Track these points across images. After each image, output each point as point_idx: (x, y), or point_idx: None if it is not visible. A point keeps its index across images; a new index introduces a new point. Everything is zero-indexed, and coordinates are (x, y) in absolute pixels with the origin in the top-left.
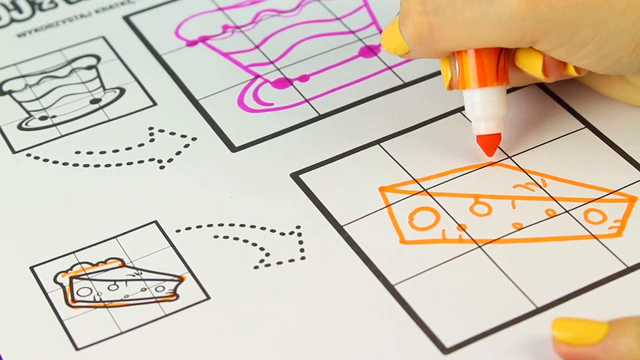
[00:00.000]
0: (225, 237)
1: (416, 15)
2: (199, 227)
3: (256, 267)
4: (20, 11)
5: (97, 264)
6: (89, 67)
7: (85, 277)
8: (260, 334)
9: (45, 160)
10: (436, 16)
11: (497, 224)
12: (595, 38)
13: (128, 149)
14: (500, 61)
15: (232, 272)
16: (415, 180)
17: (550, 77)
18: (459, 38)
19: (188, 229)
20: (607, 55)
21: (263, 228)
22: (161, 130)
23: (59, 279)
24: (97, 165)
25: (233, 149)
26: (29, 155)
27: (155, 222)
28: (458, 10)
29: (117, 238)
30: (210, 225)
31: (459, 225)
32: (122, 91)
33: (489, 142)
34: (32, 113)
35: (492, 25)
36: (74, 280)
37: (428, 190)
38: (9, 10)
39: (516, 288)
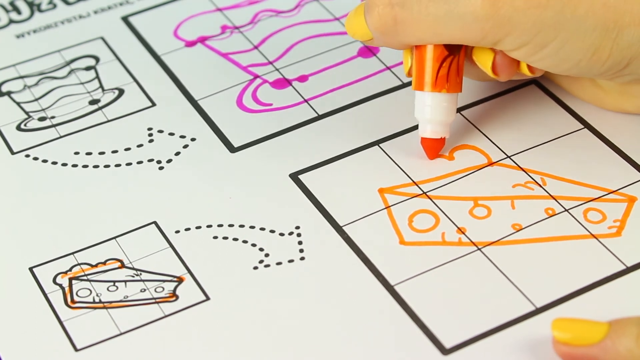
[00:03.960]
0: (225, 238)
1: (382, 6)
2: (198, 227)
3: (255, 268)
4: (19, 12)
5: (96, 265)
6: (88, 68)
7: (85, 278)
8: (259, 334)
9: (44, 161)
10: (402, 9)
11: (497, 225)
12: (556, 40)
13: (127, 149)
14: (442, 69)
15: (231, 273)
16: (415, 183)
17: (501, 75)
18: (422, 33)
19: (187, 229)
20: (567, 58)
21: (262, 229)
22: (160, 131)
23: (58, 280)
24: (96, 166)
25: (232, 149)
26: (27, 156)
27: (155, 222)
28: (424, 6)
29: (117, 239)
30: (209, 226)
31: (458, 228)
32: (121, 92)
33: (433, 146)
34: (31, 114)
35: (456, 24)
36: (74, 281)
37: (427, 193)
38: (7, 11)
39: (516, 289)
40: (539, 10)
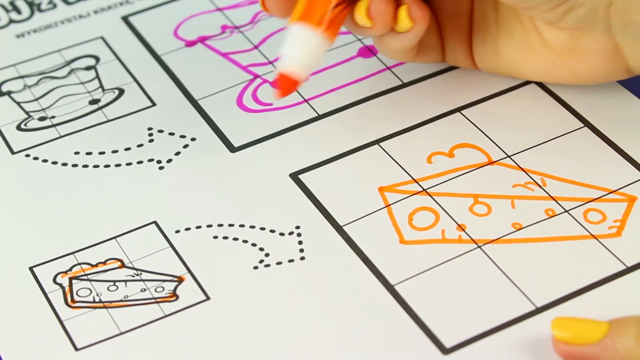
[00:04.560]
0: (225, 238)
1: None
2: (198, 227)
3: (256, 268)
4: (19, 12)
5: (96, 265)
6: (88, 68)
7: (85, 277)
8: (260, 334)
9: (45, 160)
10: None
11: (497, 224)
12: None
13: (127, 149)
14: (331, 12)
15: (231, 273)
16: (415, 180)
17: (376, 24)
18: None
19: (187, 229)
20: None
21: (262, 228)
22: (160, 131)
23: (58, 280)
24: (96, 166)
25: (232, 149)
26: (28, 155)
27: (155, 222)
28: None
29: (117, 239)
30: (209, 226)
31: (458, 225)
32: (121, 92)
33: (285, 84)
34: (31, 114)
35: None
36: (74, 281)
37: (427, 190)
38: (7, 11)
39: (516, 288)
40: None
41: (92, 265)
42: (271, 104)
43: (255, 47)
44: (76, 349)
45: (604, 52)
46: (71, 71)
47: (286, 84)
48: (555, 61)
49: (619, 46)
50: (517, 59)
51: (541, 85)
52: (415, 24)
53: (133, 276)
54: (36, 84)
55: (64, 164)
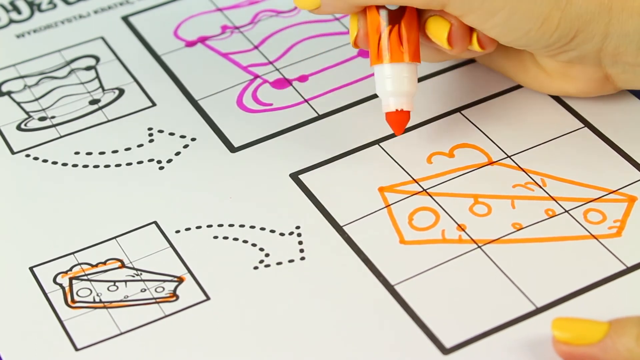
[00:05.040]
0: (225, 238)
1: None
2: (198, 227)
3: (256, 268)
4: (19, 12)
5: (96, 265)
6: (88, 68)
7: (85, 277)
8: (260, 334)
9: (45, 160)
10: None
11: (497, 224)
12: (506, 7)
13: (127, 149)
14: (382, 40)
15: (231, 273)
16: (415, 181)
17: (455, 48)
18: None
19: (187, 229)
20: (516, 26)
21: (263, 228)
22: (160, 131)
23: (58, 280)
24: (96, 166)
25: (232, 149)
26: (28, 156)
27: (155, 222)
28: None
29: (117, 239)
30: (209, 226)
31: (458, 225)
32: (121, 92)
33: (398, 120)
34: (31, 114)
35: None
36: (74, 281)
37: (427, 191)
38: (7, 11)
39: (516, 288)
40: None
41: (92, 266)
42: (271, 104)
43: (255, 47)
44: (76, 349)
45: (594, 79)
46: (71, 71)
47: (400, 120)
48: (545, 79)
49: (609, 74)
50: (509, 71)
51: None
52: (485, 48)
53: (133, 276)
54: (36, 84)
55: (64, 164)
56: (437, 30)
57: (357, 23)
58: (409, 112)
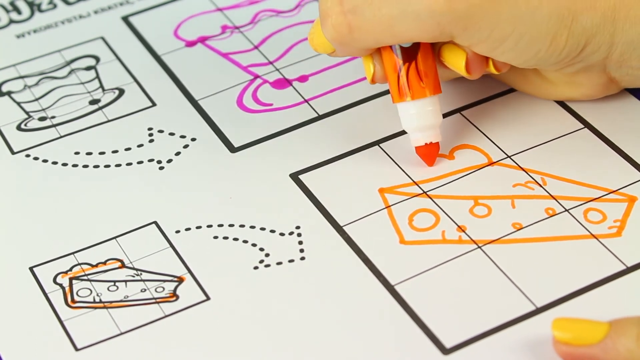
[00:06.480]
0: (225, 238)
1: (335, 16)
2: (198, 227)
3: (256, 268)
4: (19, 12)
5: (96, 265)
6: (88, 68)
7: (85, 277)
8: (260, 334)
9: (45, 160)
10: (355, 16)
11: (497, 224)
12: (514, 33)
13: (127, 149)
14: (401, 78)
15: (231, 273)
16: (415, 183)
17: (474, 74)
18: (379, 35)
19: (188, 229)
20: (526, 49)
21: (263, 228)
22: (160, 131)
23: (58, 280)
24: (96, 166)
25: (232, 149)
26: (28, 156)
27: (155, 222)
28: (376, 8)
29: (117, 239)
30: (209, 226)
31: (458, 226)
32: (121, 92)
33: (428, 152)
34: (31, 114)
35: (411, 22)
36: (74, 281)
37: (428, 193)
38: (7, 11)
39: (516, 288)
40: (493, 3)
41: (92, 266)
42: (271, 104)
43: (255, 47)
44: (76, 349)
45: (599, 84)
46: (71, 71)
47: (430, 152)
48: (549, 88)
49: (613, 77)
50: (512, 82)
51: None
52: (501, 70)
53: (133, 276)
54: (36, 84)
55: (64, 164)
56: (454, 59)
57: (371, 62)
58: (437, 143)
